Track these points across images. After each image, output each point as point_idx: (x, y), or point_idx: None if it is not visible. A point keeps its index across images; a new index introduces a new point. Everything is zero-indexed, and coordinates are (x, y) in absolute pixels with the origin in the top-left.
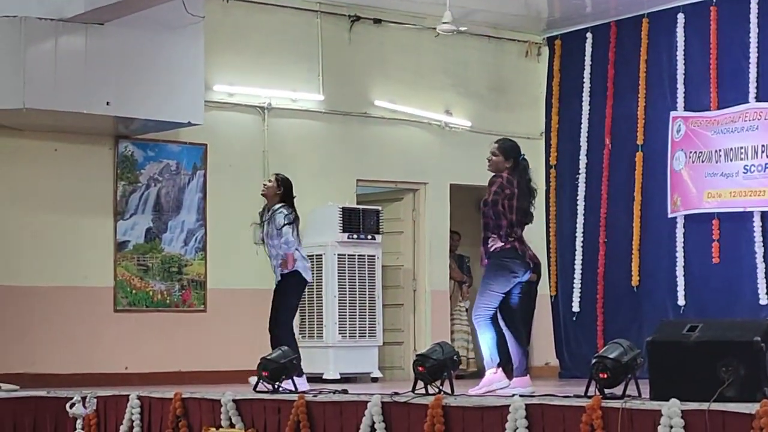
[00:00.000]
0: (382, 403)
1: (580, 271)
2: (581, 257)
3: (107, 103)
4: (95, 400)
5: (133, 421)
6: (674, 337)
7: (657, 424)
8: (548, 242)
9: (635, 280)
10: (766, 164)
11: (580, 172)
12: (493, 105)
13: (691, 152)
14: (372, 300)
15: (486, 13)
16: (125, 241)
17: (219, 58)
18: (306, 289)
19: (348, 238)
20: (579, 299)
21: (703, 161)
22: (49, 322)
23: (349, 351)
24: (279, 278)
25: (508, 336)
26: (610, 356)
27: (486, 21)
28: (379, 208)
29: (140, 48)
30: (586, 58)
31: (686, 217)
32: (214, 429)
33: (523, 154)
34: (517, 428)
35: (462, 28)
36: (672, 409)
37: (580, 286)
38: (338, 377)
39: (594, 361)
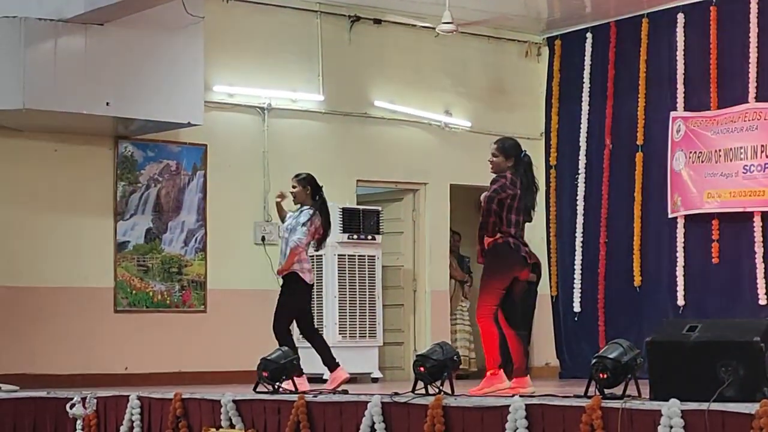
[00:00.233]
0: (382, 403)
1: (581, 272)
2: (581, 257)
3: (107, 104)
4: (95, 400)
5: (133, 422)
6: (674, 338)
7: (657, 424)
8: (548, 242)
9: (637, 280)
10: (765, 164)
11: (580, 172)
12: (493, 105)
13: (691, 152)
14: (372, 300)
15: (486, 13)
16: (125, 242)
17: (219, 59)
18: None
19: (348, 238)
20: (580, 299)
21: (702, 161)
22: (49, 323)
23: (349, 351)
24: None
25: (508, 336)
26: (610, 356)
27: (486, 21)
28: (379, 208)
29: (140, 48)
30: (586, 58)
31: (686, 217)
32: (214, 429)
33: (524, 151)
34: (517, 428)
35: (462, 23)
36: (672, 409)
37: (580, 286)
38: None
39: (594, 361)
